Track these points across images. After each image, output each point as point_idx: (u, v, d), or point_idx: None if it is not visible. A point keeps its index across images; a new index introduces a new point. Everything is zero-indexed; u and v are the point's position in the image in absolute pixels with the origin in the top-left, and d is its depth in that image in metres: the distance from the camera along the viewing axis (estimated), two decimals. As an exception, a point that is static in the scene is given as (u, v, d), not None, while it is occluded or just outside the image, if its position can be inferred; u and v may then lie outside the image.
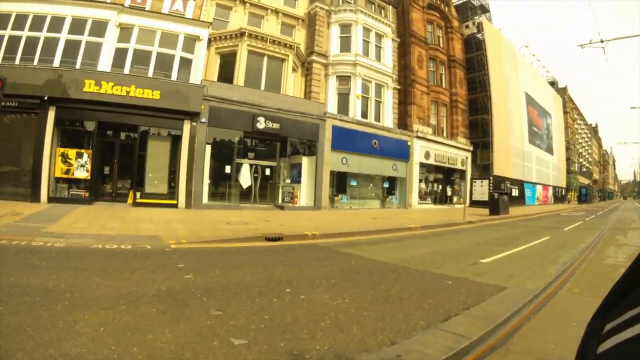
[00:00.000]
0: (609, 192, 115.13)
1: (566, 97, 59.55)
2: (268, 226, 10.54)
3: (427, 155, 24.68)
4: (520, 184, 33.56)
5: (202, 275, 5.30)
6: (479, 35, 31.31)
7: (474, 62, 30.80)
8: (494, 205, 18.71)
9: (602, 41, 17.50)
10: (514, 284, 5.63)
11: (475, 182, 28.62)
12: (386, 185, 23.07)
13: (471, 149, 28.71)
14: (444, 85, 27.71)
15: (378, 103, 22.34)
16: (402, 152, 22.78)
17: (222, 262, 6.42)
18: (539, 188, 39.84)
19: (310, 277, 5.65)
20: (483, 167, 29.39)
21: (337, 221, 13.11)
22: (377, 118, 22.15)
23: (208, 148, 15.48)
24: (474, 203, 27.98)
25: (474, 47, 31.26)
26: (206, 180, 15.42)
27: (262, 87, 17.60)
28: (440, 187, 27.87)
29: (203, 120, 15.00)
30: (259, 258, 6.94)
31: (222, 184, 16.77)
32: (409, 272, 6.26)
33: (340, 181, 20.59)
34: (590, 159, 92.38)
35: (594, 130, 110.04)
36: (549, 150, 44.93)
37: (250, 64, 17.41)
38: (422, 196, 25.03)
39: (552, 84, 53.65)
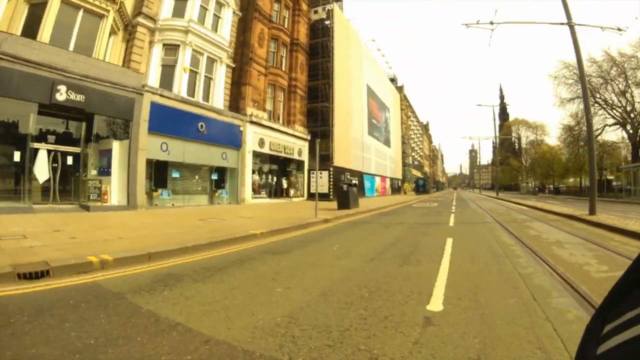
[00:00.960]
0: (441, 183, 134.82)
1: (402, 95, 65.92)
2: (54, 241, 6.69)
3: (261, 143, 22.87)
4: (359, 175, 34.89)
5: None
6: (327, 22, 31.01)
7: (319, 48, 30.39)
8: (343, 199, 17.33)
9: (491, 23, 15.45)
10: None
11: (313, 173, 28.41)
12: (215, 177, 20.16)
13: (309, 137, 28.25)
14: (283, 69, 26.18)
15: (209, 80, 19.51)
16: (233, 139, 20.38)
17: None
18: (378, 179, 42.52)
19: None
20: (322, 158, 29.26)
21: (152, 227, 9.64)
22: (207, 97, 19.24)
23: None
24: (313, 196, 27.78)
25: (320, 34, 30.89)
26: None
27: (71, 48, 13.57)
28: (276, 178, 26.44)
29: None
30: None
31: (9, 177, 12.60)
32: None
33: (159, 172, 17.09)
34: (421, 154, 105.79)
35: (425, 127, 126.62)
36: (387, 142, 48.59)
37: (61, 18, 13.55)
38: (256, 189, 23.02)
39: (392, 80, 58.36)
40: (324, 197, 24.76)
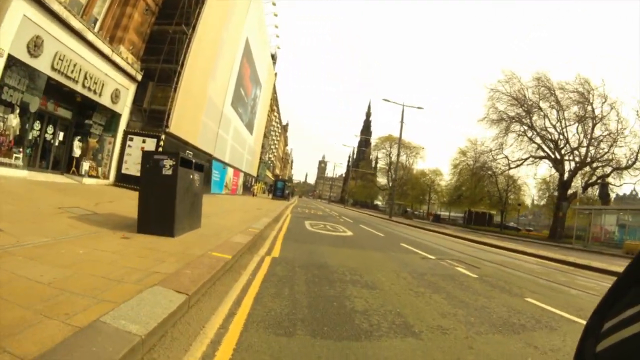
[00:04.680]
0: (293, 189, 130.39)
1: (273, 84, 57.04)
2: None
3: (36, 47, 10.79)
4: (208, 159, 23.90)
5: None
6: None
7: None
8: (161, 202, 6.54)
9: None
10: None
11: (132, 139, 16.70)
12: None
13: (139, 75, 16.68)
14: None
15: None
16: None
17: None
18: (230, 171, 31.81)
19: None
20: (153, 117, 17.69)
21: None
22: None
23: None
24: (125, 179, 16.16)
25: None
26: None
27: None
28: (61, 136, 14.33)
29: None
30: None
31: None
32: None
33: None
34: (276, 154, 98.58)
35: (284, 128, 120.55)
36: (250, 127, 38.52)
37: None
38: (5, 147, 10.79)
39: (273, 57, 48.63)
40: (136, 182, 14.21)
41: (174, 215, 6.56)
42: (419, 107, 35.66)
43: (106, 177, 16.50)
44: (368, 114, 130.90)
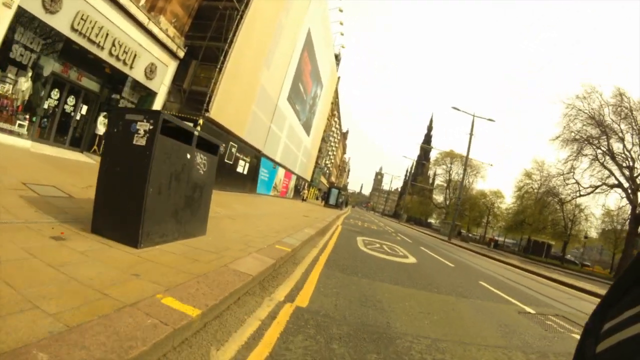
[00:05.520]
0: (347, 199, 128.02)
1: (335, 87, 54.75)
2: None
3: (54, 0, 9.05)
4: (255, 156, 21.69)
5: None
6: None
7: None
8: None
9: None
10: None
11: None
12: None
13: (182, 52, 14.73)
14: None
15: None
16: None
17: None
18: (281, 172, 29.57)
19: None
20: (192, 99, 15.62)
21: None
22: None
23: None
24: None
25: None
26: None
27: None
28: (84, 109, 12.55)
29: None
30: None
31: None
32: None
33: None
34: (333, 161, 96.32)
35: (344, 135, 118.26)
36: (307, 128, 36.13)
37: None
38: (9, 112, 9.13)
39: (336, 57, 46.29)
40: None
41: (141, 213, 3.92)
42: (489, 119, 31.15)
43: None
44: (430, 128, 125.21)
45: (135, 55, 12.55)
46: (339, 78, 56.37)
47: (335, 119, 79.13)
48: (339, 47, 47.01)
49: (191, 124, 14.40)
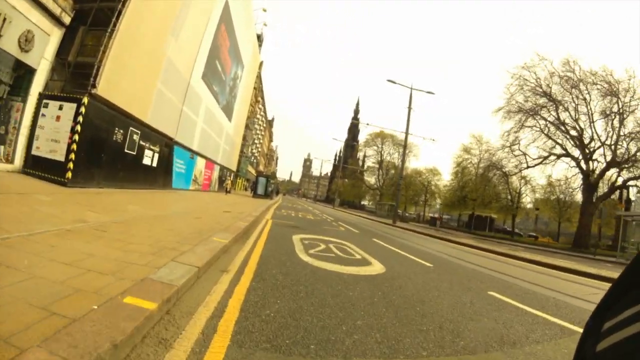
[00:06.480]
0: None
1: (259, 72, 51.70)
2: None
3: None
4: (166, 144, 18.51)
5: None
6: None
7: None
8: None
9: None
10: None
11: (48, 105, 11.55)
12: None
13: (66, 18, 11.39)
14: None
15: None
16: None
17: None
18: (201, 162, 26.25)
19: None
20: (78, 73, 12.26)
21: None
22: None
23: None
24: (37, 164, 11.03)
25: None
26: None
27: None
28: None
29: None
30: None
31: None
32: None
33: None
34: (260, 150, 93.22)
35: (270, 123, 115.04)
36: (228, 112, 32.94)
37: None
38: None
39: (258, 37, 43.20)
40: (50, 169, 11.00)
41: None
42: (429, 92, 30.18)
43: (10, 160, 11.15)
44: (356, 111, 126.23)
45: (4, 19, 9.17)
46: (261, 62, 53.15)
47: (260, 106, 75.91)
48: (261, 25, 44.07)
49: (74, 105, 11.28)
